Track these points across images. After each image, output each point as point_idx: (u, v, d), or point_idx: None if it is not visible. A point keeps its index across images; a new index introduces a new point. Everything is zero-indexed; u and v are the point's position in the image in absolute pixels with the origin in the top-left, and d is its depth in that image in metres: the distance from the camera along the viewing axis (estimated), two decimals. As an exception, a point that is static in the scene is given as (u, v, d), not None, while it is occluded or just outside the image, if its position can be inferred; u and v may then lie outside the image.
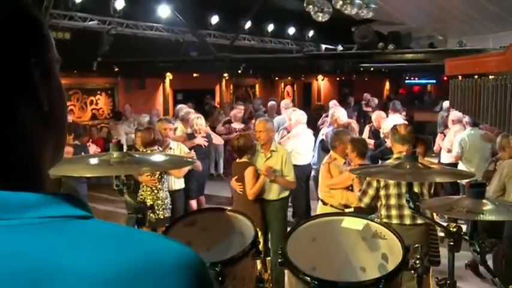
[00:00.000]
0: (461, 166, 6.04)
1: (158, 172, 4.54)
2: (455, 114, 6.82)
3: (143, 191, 4.61)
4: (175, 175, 5.05)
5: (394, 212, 3.64)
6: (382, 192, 3.70)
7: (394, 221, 3.60)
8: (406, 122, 5.76)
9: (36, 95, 0.58)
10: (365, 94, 12.71)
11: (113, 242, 0.51)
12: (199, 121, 6.14)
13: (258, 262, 2.41)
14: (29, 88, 0.57)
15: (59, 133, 0.63)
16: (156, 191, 4.61)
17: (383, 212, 3.70)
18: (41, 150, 0.59)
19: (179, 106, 7.76)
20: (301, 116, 6.29)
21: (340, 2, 6.90)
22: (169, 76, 12.32)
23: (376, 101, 11.81)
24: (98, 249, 0.49)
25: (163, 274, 0.50)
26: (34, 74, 0.57)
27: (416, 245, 2.29)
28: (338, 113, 6.58)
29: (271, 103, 9.32)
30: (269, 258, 2.73)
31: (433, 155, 7.39)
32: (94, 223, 0.54)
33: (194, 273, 0.52)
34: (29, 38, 0.58)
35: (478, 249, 2.11)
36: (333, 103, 8.84)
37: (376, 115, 7.07)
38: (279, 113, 8.69)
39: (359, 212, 3.52)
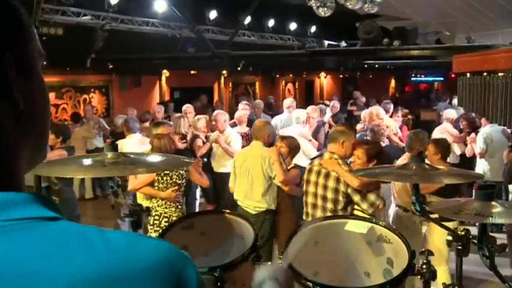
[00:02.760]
0: (481, 162, 5.99)
1: (184, 185, 4.10)
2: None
3: (166, 207, 3.95)
4: (203, 184, 4.64)
5: (310, 211, 3.54)
6: (303, 188, 3.62)
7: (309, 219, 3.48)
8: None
9: (10, 92, 0.54)
10: (354, 92, 12.56)
11: (83, 244, 0.49)
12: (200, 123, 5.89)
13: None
14: (1, 85, 0.54)
15: (38, 133, 0.60)
16: (180, 207, 4.06)
17: (304, 208, 3.62)
18: (17, 149, 0.56)
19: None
20: (296, 116, 6.17)
21: (344, -4, 6.78)
22: (165, 73, 12.24)
23: (363, 99, 11.24)
24: (67, 252, 0.48)
25: (136, 275, 0.48)
26: (8, 70, 0.54)
27: (423, 249, 2.23)
28: (375, 111, 6.25)
29: (256, 102, 9.16)
30: (270, 263, 2.66)
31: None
32: (63, 225, 0.52)
33: (173, 268, 0.51)
34: (2, 30, 0.54)
35: (487, 254, 2.05)
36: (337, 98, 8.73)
37: (369, 114, 6.91)
38: (272, 112, 8.61)
39: None
